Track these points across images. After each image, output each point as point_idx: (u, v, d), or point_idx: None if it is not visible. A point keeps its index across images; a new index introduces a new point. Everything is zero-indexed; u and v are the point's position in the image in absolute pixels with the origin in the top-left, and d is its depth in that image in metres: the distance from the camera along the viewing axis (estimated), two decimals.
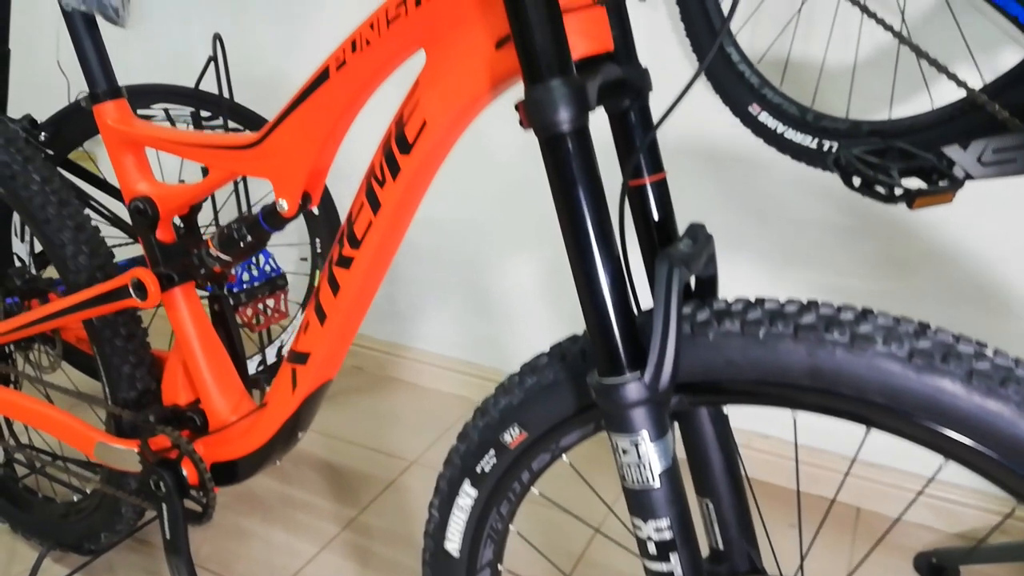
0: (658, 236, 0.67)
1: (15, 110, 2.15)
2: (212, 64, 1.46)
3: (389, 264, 0.77)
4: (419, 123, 0.66)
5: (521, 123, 0.56)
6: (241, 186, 1.57)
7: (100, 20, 0.91)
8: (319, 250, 1.51)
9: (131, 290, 0.90)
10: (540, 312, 1.66)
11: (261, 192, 1.72)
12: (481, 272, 1.70)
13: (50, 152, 1.49)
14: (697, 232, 0.65)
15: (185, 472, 0.96)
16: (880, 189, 0.73)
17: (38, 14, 2.00)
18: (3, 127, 1.03)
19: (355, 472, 1.58)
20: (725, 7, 1.15)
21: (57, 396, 1.12)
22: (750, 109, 1.09)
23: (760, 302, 0.59)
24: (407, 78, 0.68)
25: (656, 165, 0.67)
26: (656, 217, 0.67)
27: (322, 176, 0.79)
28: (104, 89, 0.90)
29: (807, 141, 1.02)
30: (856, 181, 0.75)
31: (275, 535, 1.39)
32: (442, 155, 0.68)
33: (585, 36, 0.58)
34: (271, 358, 1.67)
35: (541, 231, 1.56)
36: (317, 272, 1.59)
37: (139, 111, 1.51)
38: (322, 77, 0.71)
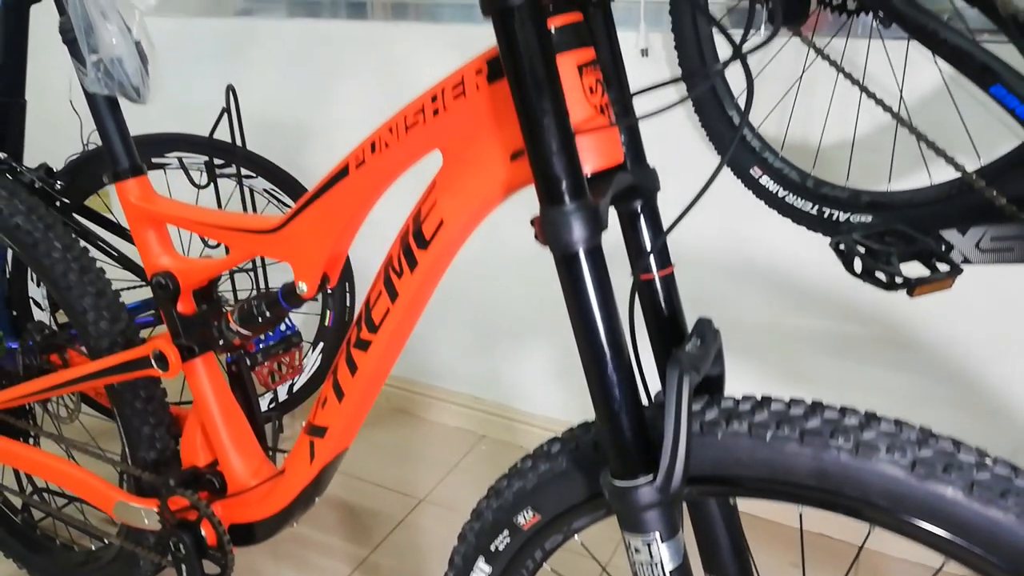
0: (667, 329, 0.70)
1: (28, 147, 2.18)
2: (225, 114, 1.49)
3: (404, 343, 0.79)
4: (436, 222, 0.69)
5: (536, 237, 0.58)
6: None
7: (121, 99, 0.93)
8: (327, 323, 1.55)
9: (152, 361, 0.93)
10: (548, 351, 1.68)
11: None
12: (490, 310, 1.72)
13: (66, 200, 1.52)
14: (705, 329, 0.67)
15: (204, 533, 0.99)
16: (881, 276, 0.75)
17: (51, 54, 2.03)
18: (27, 195, 1.06)
19: (365, 509, 1.60)
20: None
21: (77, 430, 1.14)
22: (751, 171, 1.12)
23: (767, 402, 0.62)
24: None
25: (664, 260, 0.70)
26: (665, 311, 0.69)
27: (340, 260, 0.82)
28: (126, 167, 0.92)
29: (807, 207, 1.04)
30: (857, 266, 0.77)
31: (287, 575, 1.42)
32: (457, 248, 0.71)
33: (598, 152, 0.61)
34: (282, 395, 1.69)
35: (552, 273, 1.58)
36: (328, 312, 1.62)
37: (153, 159, 1.54)
38: (342, 173, 0.74)
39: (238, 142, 1.54)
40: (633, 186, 0.66)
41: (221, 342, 0.91)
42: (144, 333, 1.13)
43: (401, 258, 0.72)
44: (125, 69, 0.90)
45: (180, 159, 1.53)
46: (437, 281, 0.74)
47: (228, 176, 1.56)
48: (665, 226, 0.67)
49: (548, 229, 0.56)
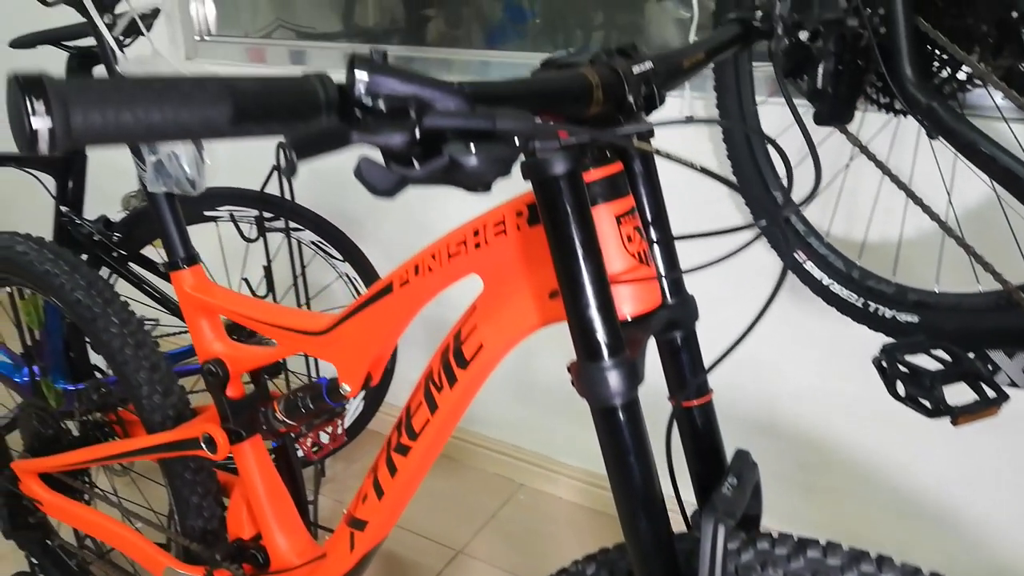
0: (705, 459, 0.70)
1: (93, 188, 2.27)
2: (277, 169, 1.53)
3: (442, 447, 0.81)
4: (476, 345, 0.70)
5: (573, 383, 0.60)
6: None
7: None
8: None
9: (202, 443, 0.96)
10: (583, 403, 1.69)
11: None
12: (528, 357, 1.73)
13: (123, 252, 1.57)
14: (743, 463, 0.67)
15: None
16: (925, 403, 0.74)
17: None
18: (87, 270, 1.10)
19: (403, 560, 1.63)
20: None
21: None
22: (796, 256, 1.11)
23: (803, 547, 0.62)
24: None
25: (702, 387, 0.70)
26: (703, 440, 0.70)
27: (383, 363, 0.84)
28: (183, 257, 0.96)
29: (852, 298, 1.03)
30: (900, 389, 0.76)
31: None
32: (494, 366, 0.73)
33: (636, 299, 0.61)
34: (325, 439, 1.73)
35: None
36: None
37: (206, 212, 1.59)
38: (386, 290, 0.76)
39: (287, 196, 1.58)
40: (672, 321, 0.66)
41: (266, 428, 0.94)
42: (186, 381, 1.17)
43: (441, 374, 0.74)
44: (182, 163, 0.94)
45: (232, 213, 1.58)
46: (474, 395, 0.75)
47: (278, 230, 1.60)
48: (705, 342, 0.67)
49: (585, 383, 0.57)
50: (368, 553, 0.91)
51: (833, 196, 1.17)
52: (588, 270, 0.56)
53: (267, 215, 1.59)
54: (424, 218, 1.75)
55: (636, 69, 0.56)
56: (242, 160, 1.83)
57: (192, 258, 0.97)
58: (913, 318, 0.95)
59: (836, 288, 1.06)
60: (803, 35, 0.72)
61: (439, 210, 1.72)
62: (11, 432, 1.39)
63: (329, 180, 1.84)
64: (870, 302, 1.01)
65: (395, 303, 0.76)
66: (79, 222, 1.55)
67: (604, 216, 0.60)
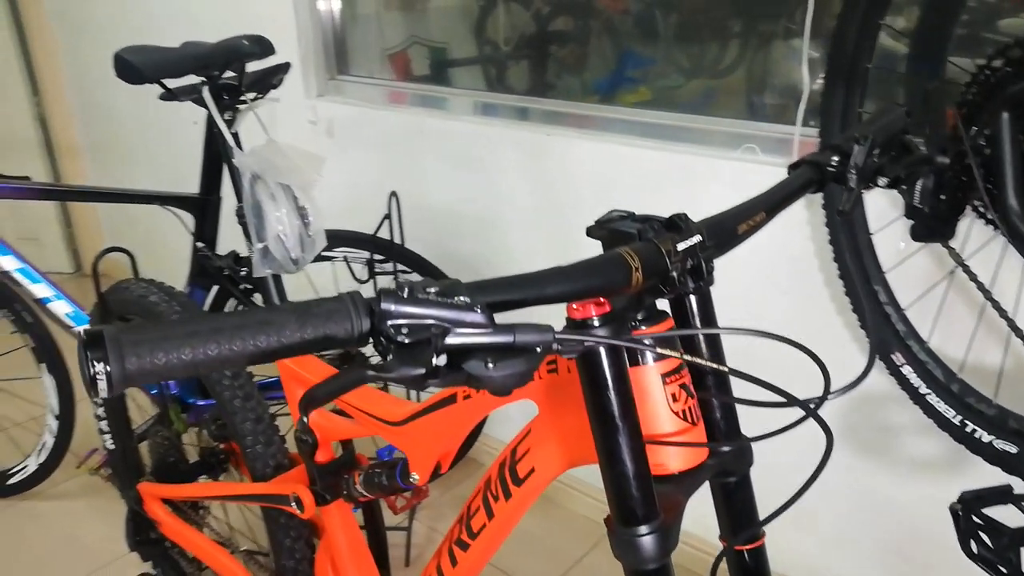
0: None
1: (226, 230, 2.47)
2: (388, 218, 1.62)
3: (499, 546, 0.84)
4: (529, 467, 0.73)
5: (609, 535, 0.61)
6: None
7: None
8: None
9: (291, 501, 1.04)
10: None
11: None
12: None
13: (249, 286, 1.71)
14: None
15: None
16: (1001, 568, 0.70)
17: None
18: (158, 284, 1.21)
19: None
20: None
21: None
22: (893, 357, 1.06)
23: None
24: None
25: (755, 533, 0.69)
26: None
27: (450, 456, 0.88)
28: None
29: (949, 413, 0.98)
30: (973, 547, 0.72)
31: None
32: (546, 486, 0.75)
33: (677, 456, 0.62)
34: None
35: None
36: None
37: (324, 253, 1.69)
38: (450, 399, 0.80)
39: (397, 240, 1.66)
40: (725, 470, 0.66)
41: (347, 495, 1.01)
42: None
43: (498, 485, 0.77)
44: (287, 244, 1.02)
45: (345, 256, 1.68)
46: (528, 507, 0.78)
47: (386, 273, 1.69)
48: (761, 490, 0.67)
49: (618, 546, 0.59)
50: None
51: (936, 300, 1.11)
52: (624, 439, 0.57)
53: (378, 257, 1.68)
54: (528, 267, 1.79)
55: (681, 245, 0.57)
56: (358, 205, 1.94)
57: None
58: (1011, 448, 0.89)
59: (933, 399, 1.00)
60: (882, 181, 0.69)
61: (538, 259, 1.75)
62: (142, 442, 1.55)
63: (438, 224, 1.92)
64: (968, 420, 0.95)
65: (458, 412, 0.80)
66: (211, 256, 1.69)
67: (650, 376, 0.61)
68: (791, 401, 0.56)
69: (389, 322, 0.42)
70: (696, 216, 0.61)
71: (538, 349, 0.47)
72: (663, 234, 0.58)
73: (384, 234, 1.67)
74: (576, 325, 0.56)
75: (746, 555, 0.70)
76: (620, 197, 1.56)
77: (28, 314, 1.79)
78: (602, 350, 0.57)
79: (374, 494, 0.97)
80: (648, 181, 1.50)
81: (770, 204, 0.65)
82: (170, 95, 1.07)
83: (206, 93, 1.04)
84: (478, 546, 0.82)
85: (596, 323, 0.56)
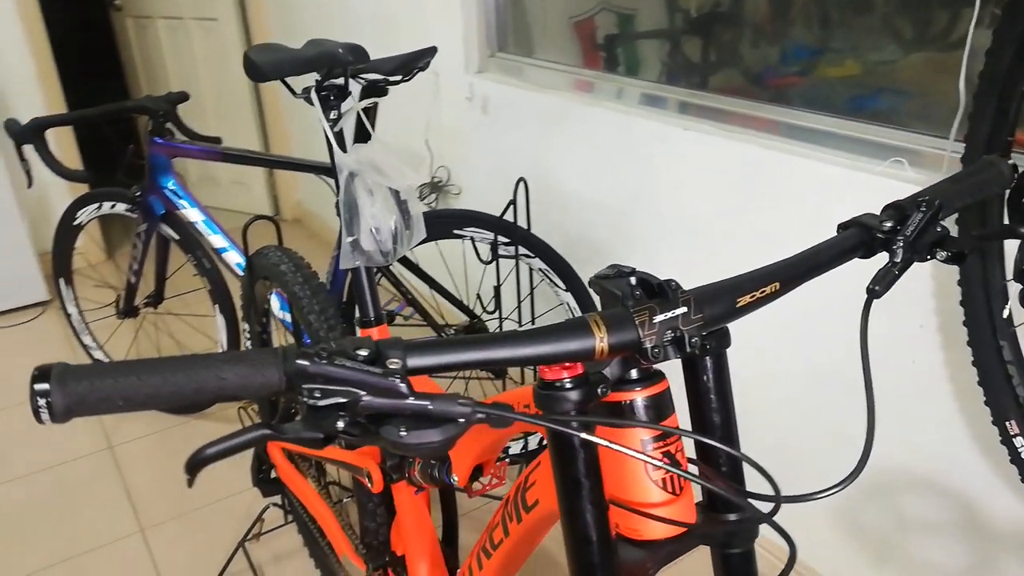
0: None
1: None
2: (512, 204, 1.65)
3: (521, 562, 0.86)
4: (535, 498, 0.74)
5: None
6: None
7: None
8: None
9: (366, 475, 1.13)
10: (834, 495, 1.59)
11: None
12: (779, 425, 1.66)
13: None
14: None
15: None
16: None
17: (417, 100, 2.39)
18: (307, 272, 1.32)
19: None
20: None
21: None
22: (1007, 424, 0.94)
23: None
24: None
25: None
26: None
27: (492, 459, 0.91)
28: (370, 319, 1.11)
29: None
30: None
31: None
32: (553, 521, 0.76)
33: (654, 524, 0.60)
34: (532, 444, 1.86)
35: (816, 381, 1.49)
36: None
37: (455, 231, 1.76)
38: None
39: (523, 224, 1.69)
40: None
41: (408, 480, 1.07)
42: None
43: (513, 506, 0.79)
44: (380, 237, 1.08)
45: (472, 237, 1.73)
46: (542, 533, 0.79)
47: (510, 256, 1.72)
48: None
49: None
50: None
51: None
52: (585, 501, 0.57)
53: (504, 240, 1.72)
54: (649, 256, 1.74)
55: (659, 318, 0.54)
56: (500, 184, 1.98)
57: (379, 319, 1.12)
58: None
59: None
60: (942, 255, 0.61)
61: (663, 260, 1.70)
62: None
63: (572, 211, 1.91)
64: None
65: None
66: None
67: (629, 440, 0.59)
68: (748, 495, 0.52)
69: (304, 384, 0.45)
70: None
71: (461, 420, 0.48)
72: (643, 302, 0.55)
73: (513, 219, 1.70)
74: (545, 386, 0.56)
75: None
76: (751, 203, 1.47)
77: (207, 260, 2.03)
78: (574, 410, 0.56)
79: (427, 484, 1.03)
80: (783, 189, 1.40)
81: (794, 272, 0.59)
82: (294, 93, 1.17)
83: (313, 95, 1.11)
84: (496, 559, 0.85)
85: (568, 385, 0.56)
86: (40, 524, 1.87)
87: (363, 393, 0.46)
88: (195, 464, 0.44)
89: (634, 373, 0.60)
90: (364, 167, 1.04)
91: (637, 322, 0.54)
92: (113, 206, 2.10)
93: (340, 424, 0.45)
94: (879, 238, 0.61)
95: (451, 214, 1.80)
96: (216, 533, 1.82)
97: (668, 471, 0.54)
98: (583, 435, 0.53)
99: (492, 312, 1.81)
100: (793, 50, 1.48)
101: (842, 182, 1.31)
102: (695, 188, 1.57)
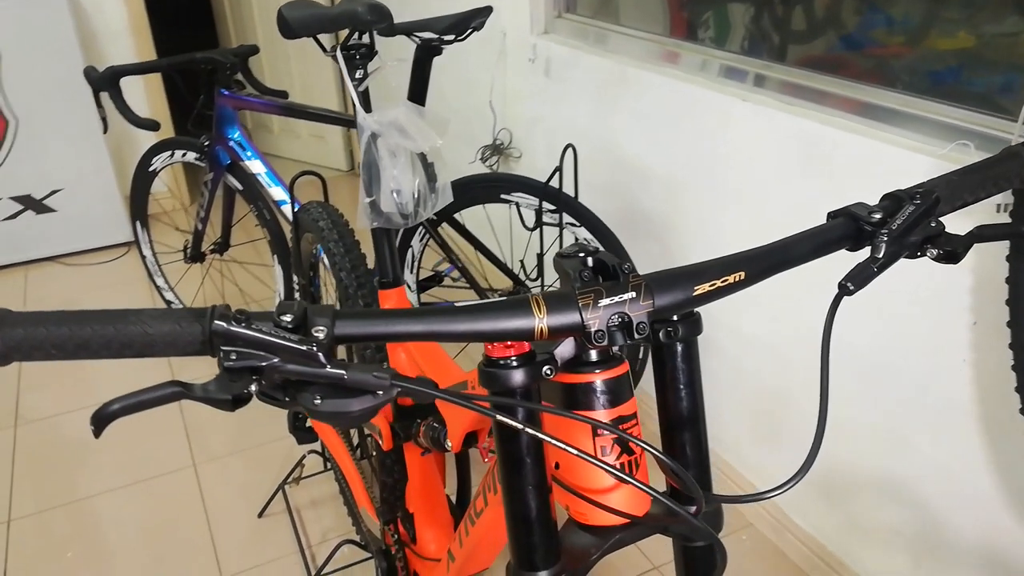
0: None
1: (456, 134, 2.60)
2: (568, 167, 1.62)
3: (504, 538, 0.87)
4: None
5: None
6: None
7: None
8: None
9: (377, 433, 1.15)
10: (838, 472, 1.53)
11: None
12: (785, 403, 1.61)
13: (433, 217, 1.82)
14: None
15: (398, 566, 1.22)
16: None
17: (483, 64, 2.36)
18: (343, 226, 1.34)
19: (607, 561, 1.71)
20: None
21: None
22: None
23: None
24: None
25: None
26: None
27: (486, 431, 0.91)
28: (389, 280, 1.12)
29: None
30: None
31: None
32: None
33: (600, 513, 0.59)
34: None
35: (866, 390, 1.42)
36: None
37: (502, 195, 1.75)
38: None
39: (570, 192, 1.66)
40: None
41: (415, 439, 1.09)
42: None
43: (491, 478, 0.79)
44: (400, 199, 1.08)
45: (517, 203, 1.72)
46: None
47: (553, 224, 1.70)
48: None
49: None
50: None
51: None
52: (527, 480, 0.56)
53: (550, 207, 1.69)
54: (701, 231, 1.68)
55: (604, 302, 0.52)
56: (556, 148, 1.94)
57: (396, 281, 1.13)
58: None
59: None
60: (932, 253, 0.56)
61: (714, 235, 1.64)
62: None
63: (624, 179, 1.87)
64: None
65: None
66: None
67: (579, 424, 0.58)
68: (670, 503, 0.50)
69: (223, 345, 0.46)
70: None
71: (379, 392, 0.48)
72: (591, 284, 0.53)
73: (559, 185, 1.67)
74: (489, 363, 0.55)
75: None
76: (807, 181, 1.39)
77: (267, 212, 2.09)
78: (519, 389, 0.55)
79: (429, 447, 1.04)
80: (841, 168, 1.32)
81: (763, 263, 0.56)
82: (324, 50, 1.17)
83: (338, 53, 1.11)
84: (480, 528, 0.85)
85: (514, 363, 0.55)
86: (108, 451, 2.01)
87: (276, 359, 0.46)
88: (102, 418, 0.45)
89: (593, 355, 0.58)
90: (387, 128, 1.04)
91: (580, 305, 0.52)
92: (184, 155, 2.18)
93: (253, 387, 0.46)
94: (865, 230, 0.57)
95: (499, 178, 1.79)
96: (260, 474, 1.91)
97: (608, 464, 0.52)
98: (510, 421, 0.52)
99: (535, 280, 1.80)
100: (902, 19, 1.35)
101: (901, 164, 1.23)
102: (753, 163, 1.50)
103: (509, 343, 0.54)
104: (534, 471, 0.57)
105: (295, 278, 1.86)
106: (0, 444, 2.05)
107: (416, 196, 1.09)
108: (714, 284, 0.54)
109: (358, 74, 1.11)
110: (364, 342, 0.49)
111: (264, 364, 0.46)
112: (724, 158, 1.56)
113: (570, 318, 0.52)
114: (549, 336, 0.52)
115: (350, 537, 1.59)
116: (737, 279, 0.55)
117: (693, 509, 0.57)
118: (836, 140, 1.32)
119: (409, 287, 1.97)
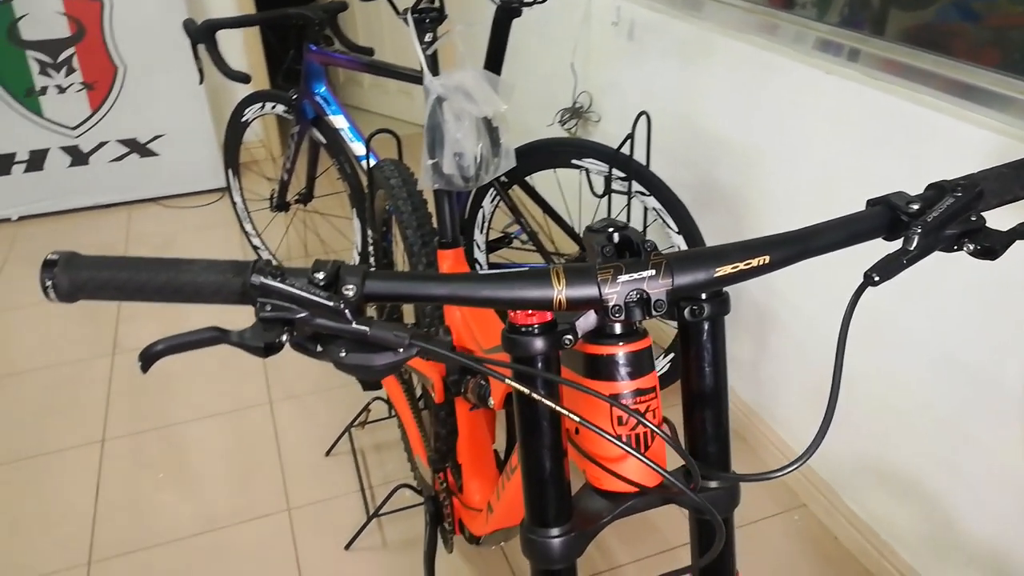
0: None
1: (534, 95, 2.60)
2: (631, 138, 1.61)
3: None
4: None
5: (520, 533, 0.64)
6: None
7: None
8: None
9: (431, 386, 1.20)
10: (894, 465, 1.49)
11: None
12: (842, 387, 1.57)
13: (504, 180, 1.85)
14: None
15: (444, 511, 1.28)
16: None
17: (567, 23, 2.34)
18: (412, 186, 1.38)
19: (646, 520, 1.73)
20: None
21: None
22: None
23: None
24: None
25: None
26: None
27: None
28: (447, 240, 1.16)
29: None
30: None
31: None
32: None
33: (612, 479, 0.61)
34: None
35: (942, 376, 1.39)
36: None
37: (572, 160, 1.75)
38: None
39: (641, 160, 1.65)
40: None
41: (465, 395, 1.13)
42: None
43: None
44: (462, 162, 1.11)
45: (587, 169, 1.72)
46: None
47: (622, 192, 1.69)
48: None
49: (525, 544, 0.62)
50: (499, 529, 1.07)
51: None
52: (543, 443, 0.59)
53: (619, 175, 1.69)
54: (775, 207, 1.65)
55: (624, 278, 0.53)
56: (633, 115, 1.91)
57: (455, 241, 1.16)
58: None
59: None
60: (970, 247, 0.54)
61: (787, 212, 1.60)
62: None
63: (700, 150, 1.83)
64: None
65: None
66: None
67: (602, 393, 0.60)
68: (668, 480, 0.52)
69: (259, 297, 0.50)
70: None
71: (400, 350, 0.51)
72: (612, 260, 0.55)
73: (630, 153, 1.66)
74: (512, 330, 0.58)
75: None
76: (889, 161, 1.34)
77: (348, 166, 2.16)
78: (539, 356, 0.58)
79: (477, 403, 1.08)
80: (932, 152, 1.26)
81: (791, 248, 0.56)
82: (397, 12, 1.19)
83: (408, 16, 1.13)
84: (513, 483, 0.89)
85: (536, 331, 0.57)
86: (194, 384, 2.15)
87: (306, 313, 0.50)
88: (149, 356, 0.50)
89: (617, 328, 0.60)
90: (452, 92, 1.07)
91: (600, 279, 0.53)
92: (274, 107, 2.27)
93: (284, 337, 0.50)
94: (902, 220, 0.56)
95: (570, 143, 1.79)
96: (330, 416, 2.01)
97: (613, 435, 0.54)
98: (521, 388, 0.54)
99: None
100: None
101: (997, 151, 1.16)
102: (836, 140, 1.45)
103: (531, 312, 0.56)
104: (550, 434, 0.59)
105: (369, 233, 1.92)
106: (99, 370, 2.23)
107: (478, 160, 1.12)
108: (736, 267, 0.55)
109: (427, 37, 1.13)
110: (391, 302, 0.52)
111: (296, 317, 0.49)
112: (806, 134, 1.52)
113: (589, 291, 0.53)
114: (568, 308, 0.54)
115: (407, 482, 1.67)
116: (761, 263, 0.55)
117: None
118: (928, 121, 1.26)
119: (478, 246, 2.01)
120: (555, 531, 0.60)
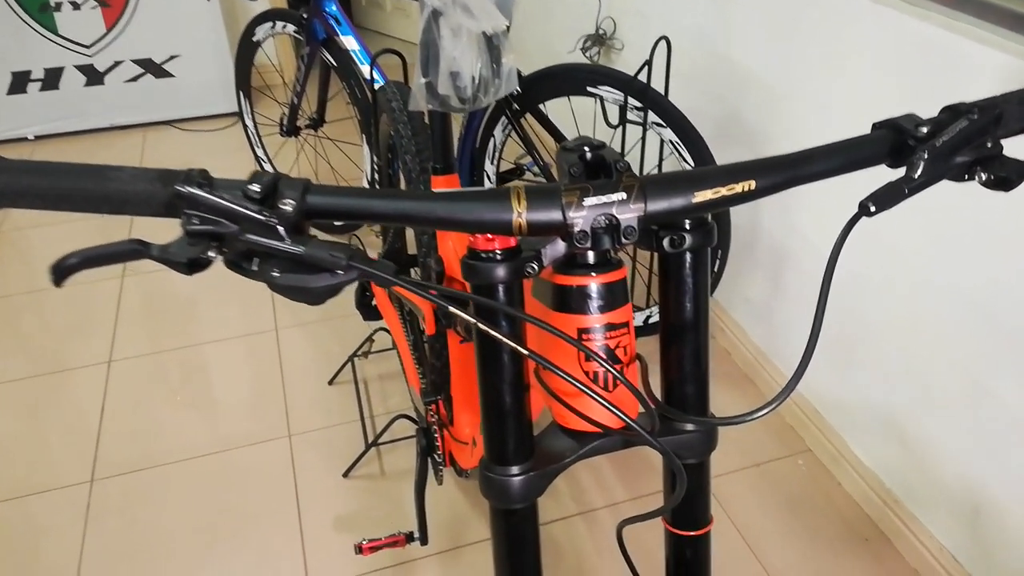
0: None
1: (557, 24, 2.49)
2: (648, 64, 1.52)
3: None
4: None
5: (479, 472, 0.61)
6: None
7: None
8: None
9: (421, 316, 1.17)
10: (875, 415, 1.45)
11: None
12: (860, 330, 1.52)
13: (517, 108, 1.77)
14: None
15: (436, 442, 1.26)
16: None
17: None
18: (414, 115, 1.32)
19: (649, 458, 1.71)
20: None
21: None
22: None
23: None
24: None
25: (701, 519, 0.63)
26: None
27: None
28: (441, 166, 1.10)
29: None
30: None
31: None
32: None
33: (575, 418, 0.57)
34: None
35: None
36: None
37: (588, 88, 1.67)
38: None
39: (660, 89, 1.56)
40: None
41: (456, 328, 1.10)
42: None
43: None
44: (458, 82, 1.05)
45: (602, 97, 1.63)
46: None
47: (637, 123, 1.61)
48: None
49: (485, 484, 0.59)
50: None
51: None
52: (502, 378, 0.55)
53: (636, 104, 1.61)
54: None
55: (591, 201, 0.48)
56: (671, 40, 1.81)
57: (449, 168, 1.11)
58: None
59: None
60: (983, 177, 0.48)
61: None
62: None
63: (723, 82, 1.74)
64: None
65: None
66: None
67: (564, 326, 0.56)
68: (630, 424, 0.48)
69: (186, 209, 0.46)
70: None
71: (339, 272, 0.47)
72: (578, 181, 0.49)
73: (647, 81, 1.58)
74: (472, 255, 0.53)
75: (686, 543, 0.64)
76: (928, 102, 1.25)
77: (359, 90, 2.09)
78: (500, 285, 0.54)
79: (466, 335, 1.04)
80: (978, 89, 1.17)
81: (781, 172, 0.50)
82: None
83: None
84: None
85: (498, 257, 0.53)
86: (205, 309, 2.15)
87: (235, 227, 0.45)
88: (61, 270, 0.47)
89: (590, 257, 0.55)
90: (449, 5, 1.00)
91: (564, 202, 0.48)
92: (284, 26, 2.20)
93: (211, 253, 0.46)
94: (908, 145, 0.50)
95: (585, 69, 1.70)
96: (334, 345, 2.00)
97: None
98: (466, 316, 0.50)
99: None
100: None
101: None
102: (868, 74, 1.35)
103: (491, 236, 0.52)
104: (510, 368, 0.55)
105: (374, 158, 1.87)
106: (108, 292, 2.24)
107: (476, 80, 1.05)
108: (718, 191, 0.49)
109: None
110: (335, 219, 0.48)
111: (224, 231, 0.45)
112: (836, 67, 1.42)
113: (551, 215, 0.49)
114: (529, 232, 0.49)
115: (407, 413, 1.66)
116: (746, 188, 0.50)
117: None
118: (972, 54, 1.15)
119: (488, 178, 1.95)
120: (515, 469, 0.57)
